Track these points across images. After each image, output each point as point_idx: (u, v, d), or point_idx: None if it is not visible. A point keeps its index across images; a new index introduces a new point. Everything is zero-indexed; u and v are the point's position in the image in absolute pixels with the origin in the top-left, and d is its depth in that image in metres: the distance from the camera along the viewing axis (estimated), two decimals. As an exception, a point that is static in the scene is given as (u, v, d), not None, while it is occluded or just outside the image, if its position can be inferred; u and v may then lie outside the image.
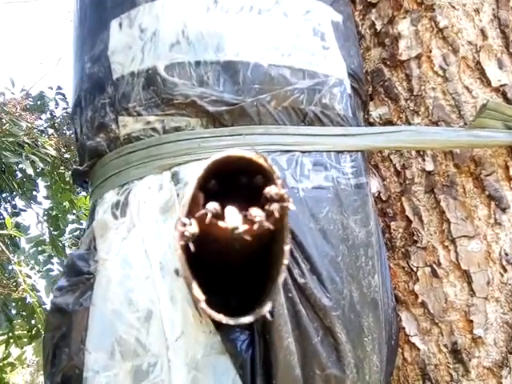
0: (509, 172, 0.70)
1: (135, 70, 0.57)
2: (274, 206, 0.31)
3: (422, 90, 0.77)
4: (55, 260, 3.40)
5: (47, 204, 3.46)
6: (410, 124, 0.75)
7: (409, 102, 0.77)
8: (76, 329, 0.53)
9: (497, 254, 0.67)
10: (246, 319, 0.33)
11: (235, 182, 0.36)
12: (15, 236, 3.18)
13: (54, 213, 3.46)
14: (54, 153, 3.04)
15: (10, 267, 3.09)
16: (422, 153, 0.73)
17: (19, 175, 3.33)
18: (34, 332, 3.16)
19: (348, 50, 0.65)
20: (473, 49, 0.77)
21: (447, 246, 0.69)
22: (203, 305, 0.31)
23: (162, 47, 0.56)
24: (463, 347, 0.64)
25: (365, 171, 0.61)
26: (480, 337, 0.64)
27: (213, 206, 0.31)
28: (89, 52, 0.62)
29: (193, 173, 0.36)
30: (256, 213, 0.31)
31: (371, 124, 0.79)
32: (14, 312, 3.16)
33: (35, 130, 3.08)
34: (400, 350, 0.67)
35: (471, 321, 0.65)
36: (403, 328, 0.68)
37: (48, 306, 3.15)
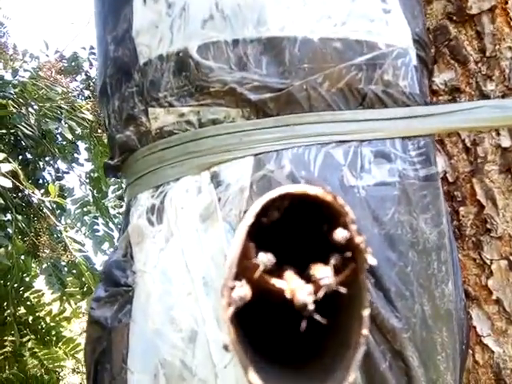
0: None
1: (164, 52, 0.49)
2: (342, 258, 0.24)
3: (497, 50, 0.65)
4: (100, 221, 3.48)
5: (89, 166, 3.50)
6: (481, 92, 0.65)
7: (480, 64, 0.66)
8: (116, 346, 0.49)
9: None
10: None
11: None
12: (60, 205, 3.24)
13: (95, 175, 3.50)
14: (91, 117, 3.03)
15: (58, 232, 3.18)
16: (499, 130, 0.63)
17: (59, 139, 3.37)
18: (85, 289, 3.30)
19: (412, 9, 0.54)
20: (561, -4, 0.64)
21: (527, 236, 0.60)
22: (252, 376, 0.25)
23: (194, 24, 0.48)
24: (547, 352, 0.57)
25: (434, 159, 0.52)
26: None
27: (264, 258, 0.24)
28: (111, 32, 0.54)
29: (236, 183, 0.28)
30: (323, 273, 0.24)
31: (434, 92, 0.68)
32: (64, 271, 3.28)
33: (71, 94, 3.07)
34: (471, 351, 0.61)
35: (556, 322, 0.57)
36: (474, 327, 0.61)
37: (96, 266, 3.27)
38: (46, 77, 2.89)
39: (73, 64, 3.48)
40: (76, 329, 6.81)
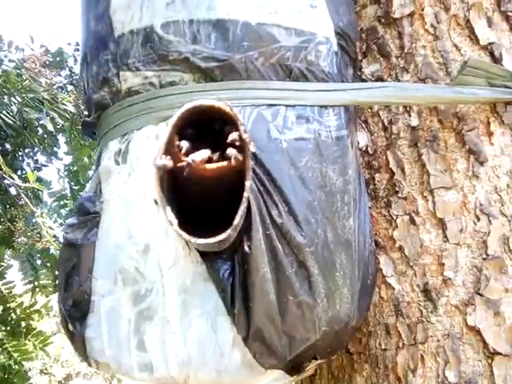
0: (489, 128, 0.74)
1: (134, 28, 0.62)
2: (232, 151, 0.36)
3: (413, 48, 0.80)
4: (76, 215, 3.53)
5: (68, 160, 3.55)
6: (399, 81, 0.79)
7: (399, 59, 0.81)
8: (84, 260, 0.61)
9: (472, 205, 0.72)
10: (207, 240, 0.39)
11: (210, 131, 0.41)
12: (38, 189, 3.28)
13: (74, 168, 3.55)
14: (72, 109, 3.09)
15: (33, 220, 3.22)
16: (408, 109, 0.77)
17: (40, 131, 3.41)
18: (57, 282, 3.33)
19: (337, 8, 0.68)
20: (464, 7, 0.79)
21: (426, 197, 0.74)
22: (175, 227, 0.38)
23: (159, 6, 0.61)
24: (434, 287, 0.71)
25: (347, 125, 0.66)
26: (450, 278, 0.70)
27: (184, 144, 0.37)
28: (93, 10, 0.67)
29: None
30: (231, 152, 0.37)
31: (364, 81, 0.82)
32: (38, 262, 3.31)
33: (54, 87, 3.13)
34: (377, 289, 0.74)
35: (443, 264, 0.71)
36: (381, 270, 0.74)
37: None
38: (30, 68, 2.96)
39: (57, 59, 3.55)
40: (46, 327, 6.72)
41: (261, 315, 0.54)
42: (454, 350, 0.68)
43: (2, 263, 3.17)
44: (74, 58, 3.49)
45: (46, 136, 3.38)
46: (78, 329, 0.61)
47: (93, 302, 0.60)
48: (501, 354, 0.66)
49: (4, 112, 2.91)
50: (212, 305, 0.54)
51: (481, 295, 0.69)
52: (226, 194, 0.44)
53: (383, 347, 0.73)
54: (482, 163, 0.73)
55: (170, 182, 0.38)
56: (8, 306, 3.10)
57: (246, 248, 0.52)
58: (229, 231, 0.38)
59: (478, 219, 0.71)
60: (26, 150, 3.43)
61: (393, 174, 0.77)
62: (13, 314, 3.10)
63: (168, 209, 0.37)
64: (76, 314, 0.61)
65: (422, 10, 0.80)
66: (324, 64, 0.64)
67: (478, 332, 0.67)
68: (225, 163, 0.37)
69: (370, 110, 0.81)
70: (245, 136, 0.37)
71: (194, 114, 0.39)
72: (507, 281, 0.69)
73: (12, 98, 2.91)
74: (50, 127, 3.07)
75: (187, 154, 0.38)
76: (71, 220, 0.65)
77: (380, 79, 0.81)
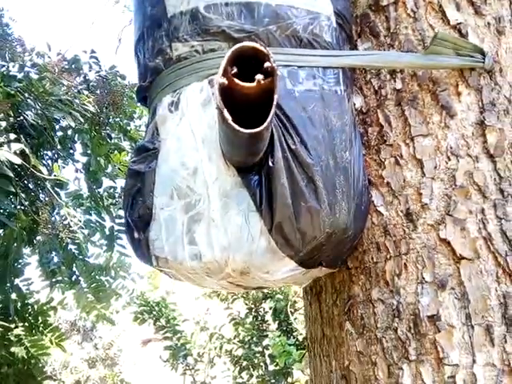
0: (458, 89, 0.94)
1: (183, 9, 0.83)
2: (266, 77, 0.56)
3: (397, 29, 1.00)
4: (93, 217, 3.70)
5: (83, 161, 3.74)
6: (386, 54, 0.99)
7: (387, 38, 1.01)
8: (147, 183, 0.81)
9: (444, 148, 0.92)
10: (250, 130, 0.58)
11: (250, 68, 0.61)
12: (59, 182, 3.46)
13: (91, 168, 3.75)
14: (92, 109, 3.31)
15: (56, 212, 3.41)
16: (394, 76, 0.97)
17: (60, 133, 3.61)
18: (73, 279, 3.51)
19: (336, -5, 0.89)
20: (438, -5, 0.99)
21: (407, 143, 0.94)
22: (230, 119, 0.58)
23: (202, -7, 0.82)
24: (414, 211, 0.90)
25: (344, 82, 0.86)
26: (426, 204, 0.90)
27: (234, 70, 0.57)
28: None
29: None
30: (258, 77, 0.56)
31: (358, 56, 1.02)
32: (55, 260, 3.47)
33: (74, 89, 3.35)
34: (369, 216, 0.94)
35: (421, 194, 0.90)
36: (373, 201, 0.94)
37: (86, 257, 3.48)
38: (52, 71, 3.18)
39: (73, 66, 3.78)
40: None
41: (280, 213, 0.73)
42: (430, 257, 0.87)
43: (20, 260, 3.35)
44: (89, 65, 3.73)
45: (66, 136, 3.60)
46: (143, 234, 0.81)
47: (154, 213, 0.80)
48: (466, 258, 0.85)
49: (28, 113, 3.13)
50: (245, 204, 0.74)
51: (450, 215, 0.88)
52: (260, 109, 0.63)
53: (375, 260, 0.92)
54: (452, 116, 0.93)
55: (224, 98, 0.58)
56: (26, 302, 3.27)
57: (270, 163, 0.72)
58: (264, 125, 0.58)
59: (449, 159, 0.91)
60: (48, 153, 3.64)
61: (382, 127, 0.97)
62: (30, 310, 3.26)
63: (225, 110, 0.57)
64: (140, 223, 0.82)
65: (405, -2, 1.01)
66: (326, 36, 0.85)
67: (449, 243, 0.87)
68: (260, 82, 0.57)
69: (363, 79, 1.01)
70: (274, 64, 0.57)
71: (239, 52, 0.59)
72: (471, 205, 0.88)
73: (34, 100, 3.12)
74: (72, 124, 3.24)
75: (235, 76, 0.58)
76: (133, 158, 0.86)
77: (371, 54, 1.01)
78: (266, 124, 0.58)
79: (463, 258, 0.86)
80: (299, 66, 0.82)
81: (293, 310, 4.67)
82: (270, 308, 4.70)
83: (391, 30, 1.01)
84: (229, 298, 4.95)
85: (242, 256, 0.75)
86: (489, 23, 0.99)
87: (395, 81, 0.98)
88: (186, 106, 0.81)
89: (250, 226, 0.74)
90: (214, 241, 0.75)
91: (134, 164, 0.84)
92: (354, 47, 1.03)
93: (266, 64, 0.58)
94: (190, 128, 0.80)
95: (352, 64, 0.87)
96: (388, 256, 0.91)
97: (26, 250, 3.43)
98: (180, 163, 0.79)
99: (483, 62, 0.94)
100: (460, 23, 0.97)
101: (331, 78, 0.84)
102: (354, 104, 0.98)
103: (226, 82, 0.57)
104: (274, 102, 0.58)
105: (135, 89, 0.93)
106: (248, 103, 0.60)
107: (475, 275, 0.85)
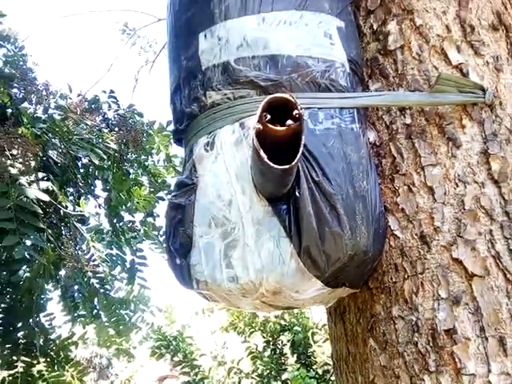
0: (462, 122, 1.04)
1: (216, 63, 0.95)
2: (294, 122, 0.67)
3: (404, 70, 1.11)
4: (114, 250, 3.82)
5: (104, 197, 3.88)
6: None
7: (395, 78, 1.12)
8: (187, 214, 0.92)
9: (452, 176, 1.01)
10: (282, 166, 0.69)
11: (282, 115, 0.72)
12: (82, 217, 3.59)
13: (112, 203, 3.88)
14: (115, 147, 3.47)
15: (80, 246, 3.53)
16: (403, 112, 1.08)
17: (82, 170, 3.76)
18: (94, 313, 3.59)
19: (348, 44, 1.01)
20: (440, 39, 1.10)
21: (419, 172, 1.03)
22: (265, 158, 0.68)
23: (232, 48, 0.94)
24: (427, 234, 0.99)
25: (358, 121, 0.97)
26: (439, 227, 0.98)
27: (267, 117, 0.68)
28: (185, 53, 1.01)
29: (254, 120, 0.73)
30: (289, 122, 0.67)
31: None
32: (83, 287, 3.57)
33: (96, 128, 3.53)
34: (387, 239, 1.03)
35: (433, 218, 0.99)
36: (389, 226, 1.03)
37: (107, 291, 3.56)
38: (74, 111, 3.37)
39: (93, 106, 3.98)
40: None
41: (307, 238, 0.83)
42: (444, 276, 0.95)
43: (43, 295, 3.44)
44: (108, 105, 3.92)
45: (88, 173, 3.75)
46: (184, 261, 0.91)
47: (194, 241, 0.91)
48: (477, 275, 0.93)
49: (52, 152, 3.30)
50: (276, 230, 0.84)
51: (461, 237, 0.97)
52: (288, 147, 0.74)
53: (394, 280, 1.01)
54: (458, 147, 1.03)
55: (259, 140, 0.69)
56: (48, 337, 3.33)
57: (297, 193, 0.82)
58: (294, 162, 0.68)
59: (457, 185, 1.00)
60: (71, 190, 3.79)
61: (394, 158, 1.07)
62: (52, 346, 3.32)
63: (261, 150, 0.68)
64: (182, 250, 0.92)
65: (410, 43, 1.12)
66: (341, 80, 0.96)
67: (461, 262, 0.95)
68: (290, 126, 0.68)
69: (376, 115, 1.12)
70: (301, 111, 0.68)
71: (272, 102, 0.70)
72: (479, 227, 0.97)
73: (59, 140, 3.30)
74: (96, 162, 3.40)
75: (269, 123, 0.69)
76: (173, 192, 0.97)
77: (382, 93, 1.13)
78: (295, 161, 0.69)
79: (475, 275, 0.94)
80: (319, 108, 0.93)
81: (312, 343, 4.65)
82: (288, 341, 4.68)
83: (399, 72, 1.12)
84: (246, 331, 4.95)
85: (275, 277, 0.84)
86: (488, 62, 1.10)
87: (405, 116, 1.08)
88: (220, 146, 0.92)
89: (281, 249, 0.83)
90: (248, 264, 0.85)
91: (175, 198, 0.95)
92: (366, 88, 1.15)
93: (295, 111, 0.69)
94: (225, 165, 0.90)
95: (365, 104, 0.98)
96: (406, 276, 0.99)
97: (48, 285, 3.52)
98: (216, 196, 0.90)
99: (484, 98, 1.04)
100: (461, 63, 1.08)
101: (347, 117, 0.95)
102: (369, 138, 1.09)
103: (262, 128, 0.68)
104: (302, 143, 0.69)
105: (171, 131, 1.05)
106: (279, 143, 0.71)
107: (487, 291, 0.92)
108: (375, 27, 1.18)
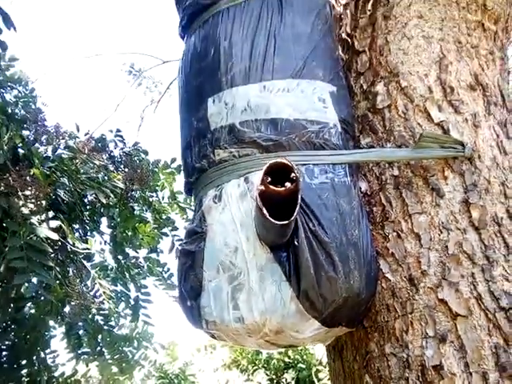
0: (444, 174, 1.16)
1: (223, 124, 1.08)
2: (291, 183, 0.79)
3: (392, 127, 1.24)
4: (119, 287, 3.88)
5: (108, 233, 3.98)
6: (383, 148, 1.22)
7: (384, 134, 1.24)
8: (197, 260, 1.02)
9: (437, 223, 1.12)
10: (281, 222, 0.79)
11: (281, 176, 0.84)
12: (87, 254, 3.66)
13: (118, 240, 3.96)
14: (121, 185, 3.60)
15: (86, 283, 3.59)
16: (391, 164, 1.20)
17: (88, 207, 3.87)
18: (97, 350, 3.62)
19: (340, 106, 1.14)
20: (423, 99, 1.23)
21: (406, 220, 1.14)
22: (267, 215, 0.79)
23: (237, 112, 1.07)
24: (415, 277, 1.09)
25: (350, 174, 1.08)
26: (425, 270, 1.08)
27: (268, 179, 0.80)
28: (195, 115, 1.14)
29: (257, 176, 0.84)
30: (287, 184, 0.79)
31: (360, 148, 1.26)
32: (89, 325, 3.61)
33: (103, 167, 3.66)
34: (379, 282, 1.12)
35: (420, 262, 1.09)
36: (381, 269, 1.13)
37: (111, 328, 3.61)
38: (82, 151, 3.51)
39: (99, 144, 4.13)
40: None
41: (306, 282, 0.93)
42: (431, 315, 1.05)
43: (47, 333, 3.49)
44: (114, 143, 4.07)
45: (94, 210, 3.86)
46: (194, 302, 1.01)
47: (204, 284, 1.00)
48: (461, 315, 1.02)
49: (60, 191, 3.42)
50: (277, 276, 0.94)
51: (446, 279, 1.06)
52: (285, 207, 0.85)
53: (386, 320, 1.10)
54: (441, 197, 1.14)
55: (261, 198, 0.80)
56: (52, 375, 3.35)
57: (296, 242, 0.93)
58: (292, 218, 0.79)
59: (441, 232, 1.11)
60: (76, 226, 3.89)
61: (384, 207, 1.18)
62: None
63: (264, 208, 0.79)
64: (192, 293, 1.02)
65: (396, 102, 1.25)
66: (334, 139, 1.08)
67: (446, 303, 1.04)
68: (287, 188, 0.79)
69: (367, 167, 1.24)
70: (297, 174, 0.80)
71: (273, 166, 0.82)
72: (462, 270, 1.07)
73: (67, 179, 3.42)
74: (104, 201, 3.51)
75: (270, 184, 0.80)
76: (184, 240, 1.08)
77: (371, 147, 1.25)
78: (293, 217, 0.80)
79: (459, 315, 1.03)
80: (314, 164, 1.05)
81: (316, 381, 4.62)
82: (293, 378, 4.65)
83: (387, 128, 1.24)
84: (249, 369, 4.91)
85: (277, 318, 0.93)
86: (467, 119, 1.22)
87: (393, 168, 1.20)
88: (227, 198, 1.04)
89: (282, 293, 0.93)
90: (253, 306, 0.94)
91: (186, 245, 1.06)
92: (358, 142, 1.27)
93: (292, 174, 0.80)
94: (231, 215, 1.01)
95: (355, 160, 1.10)
96: (396, 315, 1.08)
97: (51, 322, 3.55)
98: (224, 243, 1.01)
99: (464, 152, 1.16)
100: (443, 121, 1.20)
101: (340, 172, 1.06)
102: (360, 188, 1.20)
103: (264, 188, 0.80)
104: (299, 201, 0.80)
105: (183, 183, 1.17)
106: (279, 200, 0.82)
107: (470, 330, 1.01)
108: (365, 88, 1.31)
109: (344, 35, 1.39)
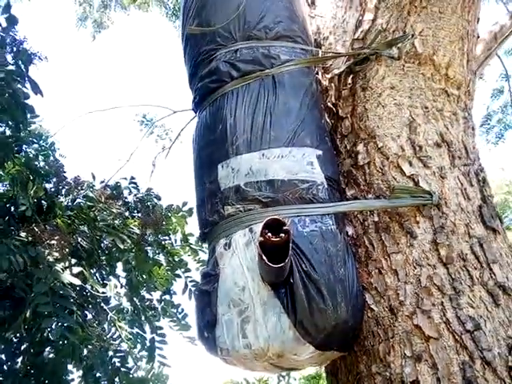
0: (416, 219, 1.39)
1: (230, 185, 1.33)
2: (283, 234, 1.02)
3: (371, 180, 1.48)
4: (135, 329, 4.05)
5: (123, 279, 4.18)
6: (365, 198, 1.46)
7: (365, 186, 1.49)
8: (212, 298, 1.25)
9: (411, 260, 1.34)
10: (278, 265, 1.02)
11: (276, 228, 1.07)
12: (106, 298, 3.85)
13: (134, 283, 4.15)
14: (137, 231, 3.83)
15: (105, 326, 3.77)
16: (372, 212, 1.43)
17: (105, 252, 4.09)
18: None
19: (326, 167, 1.39)
20: (396, 157, 1.48)
21: (386, 258, 1.36)
22: (266, 260, 1.02)
23: (241, 175, 1.32)
24: (395, 307, 1.30)
25: (335, 223, 1.32)
26: (402, 301, 1.30)
27: (266, 231, 1.03)
28: (208, 178, 1.39)
29: (259, 227, 1.08)
30: (282, 235, 1.02)
31: (347, 200, 1.50)
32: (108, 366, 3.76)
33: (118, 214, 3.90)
34: (365, 312, 1.33)
35: (398, 293, 1.31)
36: (367, 301, 1.34)
37: (128, 370, 3.75)
38: (100, 200, 3.77)
39: (114, 192, 4.40)
40: None
41: (301, 313, 1.15)
42: (408, 339, 1.25)
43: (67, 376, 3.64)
44: (128, 190, 4.34)
45: (111, 255, 4.08)
46: (210, 334, 1.23)
47: (218, 318, 1.23)
48: (432, 337, 1.23)
49: (80, 238, 3.66)
50: (278, 308, 1.16)
51: (420, 308, 1.27)
52: (281, 253, 1.08)
53: (372, 344, 1.30)
54: (414, 238, 1.36)
55: (261, 247, 1.03)
56: None
57: (291, 280, 1.15)
58: (286, 261, 1.02)
59: (415, 268, 1.33)
60: (92, 270, 4.11)
61: (367, 248, 1.40)
62: None
63: (263, 255, 1.02)
64: (209, 326, 1.24)
65: (374, 160, 1.50)
66: (321, 194, 1.33)
67: (420, 328, 1.25)
68: (282, 238, 1.02)
69: (353, 214, 1.47)
70: (288, 228, 1.03)
71: (269, 222, 1.05)
72: (433, 299, 1.28)
73: (86, 226, 3.66)
74: (122, 246, 3.74)
75: (268, 235, 1.04)
76: (200, 282, 1.31)
77: (355, 198, 1.49)
78: (287, 260, 1.03)
79: (431, 337, 1.23)
80: (305, 215, 1.28)
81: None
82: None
83: (367, 181, 1.49)
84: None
85: (278, 343, 1.15)
86: (434, 172, 1.46)
87: (373, 215, 1.43)
88: (235, 246, 1.27)
89: (282, 323, 1.15)
90: (258, 334, 1.16)
91: (202, 286, 1.29)
92: (344, 193, 1.51)
93: (285, 227, 1.04)
94: (239, 260, 1.25)
95: (339, 211, 1.34)
96: (380, 340, 1.29)
97: (69, 366, 3.71)
98: (233, 283, 1.23)
99: (432, 200, 1.39)
100: (413, 174, 1.45)
101: (327, 221, 1.30)
102: (347, 232, 1.43)
103: (263, 239, 1.04)
104: (290, 247, 1.04)
105: (199, 234, 1.41)
106: (275, 247, 1.06)
107: (441, 350, 1.21)
108: (348, 148, 1.57)
109: (330, 104, 1.66)
